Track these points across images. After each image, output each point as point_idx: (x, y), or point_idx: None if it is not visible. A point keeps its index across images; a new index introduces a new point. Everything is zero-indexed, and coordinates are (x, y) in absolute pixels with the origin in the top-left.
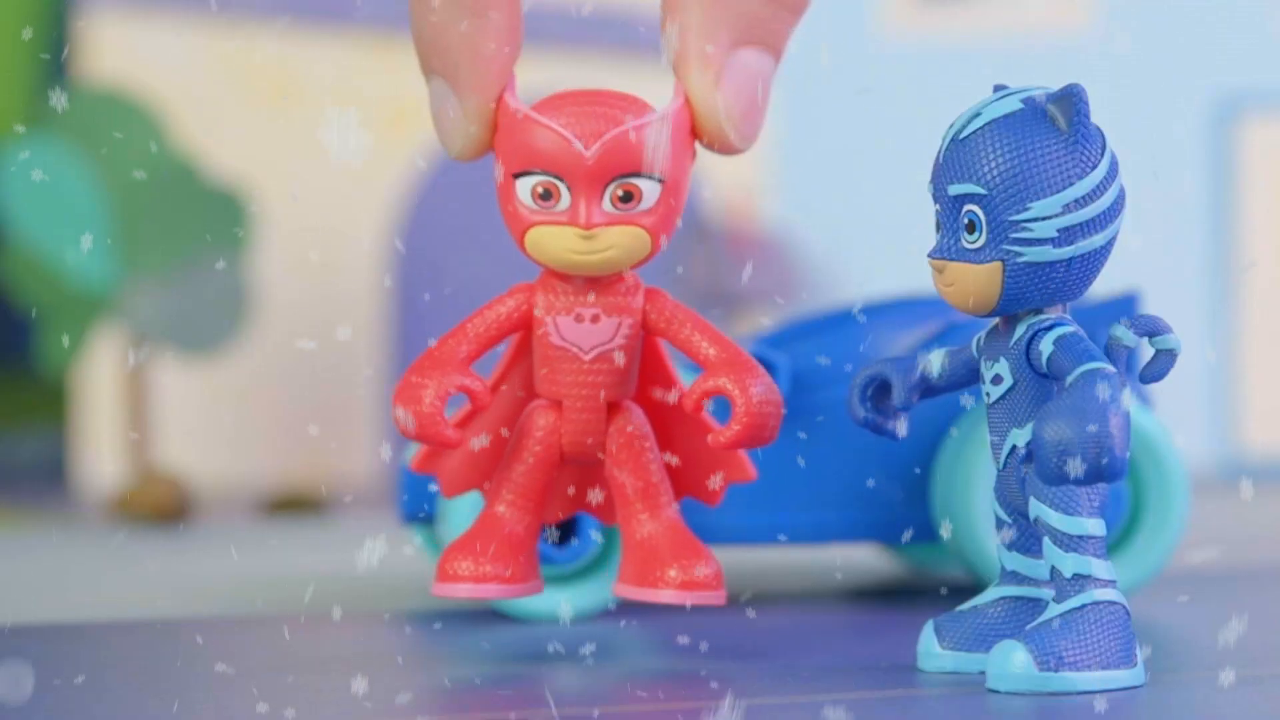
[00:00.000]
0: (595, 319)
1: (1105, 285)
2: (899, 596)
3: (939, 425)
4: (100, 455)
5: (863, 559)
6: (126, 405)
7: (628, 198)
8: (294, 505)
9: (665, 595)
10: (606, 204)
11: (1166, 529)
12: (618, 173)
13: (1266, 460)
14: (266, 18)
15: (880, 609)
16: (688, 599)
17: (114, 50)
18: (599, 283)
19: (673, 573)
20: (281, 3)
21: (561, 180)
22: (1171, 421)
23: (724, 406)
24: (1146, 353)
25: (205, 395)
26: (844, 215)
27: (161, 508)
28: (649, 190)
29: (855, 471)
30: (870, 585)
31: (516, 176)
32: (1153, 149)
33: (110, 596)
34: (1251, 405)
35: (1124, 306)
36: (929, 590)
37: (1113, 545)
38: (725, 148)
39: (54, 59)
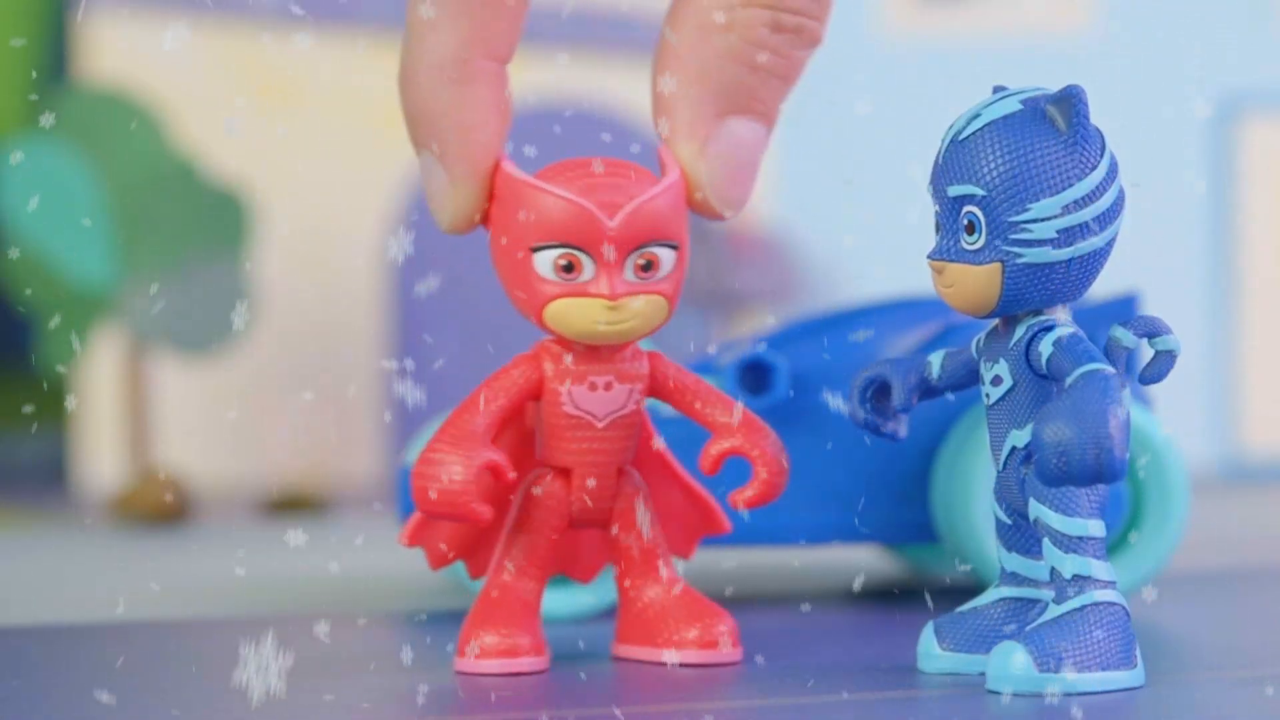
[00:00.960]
0: (609, 386)
1: (1105, 286)
2: (899, 596)
3: (939, 426)
4: (100, 455)
5: (863, 559)
6: (126, 405)
7: (648, 266)
8: (294, 505)
9: (688, 655)
10: (628, 274)
11: (1166, 529)
12: (640, 242)
13: (1266, 460)
14: (267, 18)
15: (880, 609)
16: (710, 658)
17: (114, 50)
18: (605, 350)
19: (693, 633)
20: (282, 3)
21: (585, 252)
22: (1171, 421)
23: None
24: (1146, 354)
25: (205, 395)
26: (844, 215)
27: (161, 508)
28: (666, 258)
29: (855, 472)
30: (870, 585)
31: (535, 250)
32: (1141, 154)
33: (110, 596)
34: (1251, 405)
35: (1124, 307)
36: (929, 590)
37: (1113, 545)
38: (710, 214)
39: (54, 59)
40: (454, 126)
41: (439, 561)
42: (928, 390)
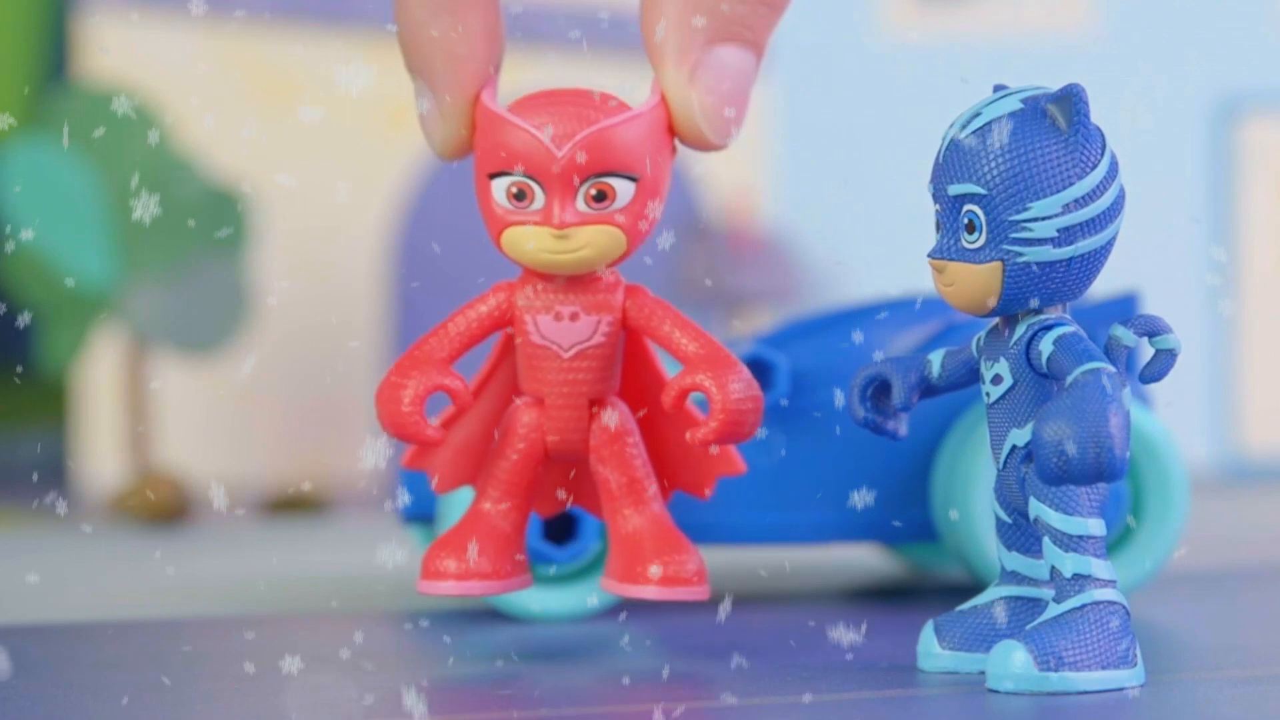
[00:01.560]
0: (574, 317)
1: (1105, 285)
2: (899, 596)
3: (939, 425)
4: (100, 455)
5: (863, 559)
6: (126, 405)
7: (601, 197)
8: (294, 505)
9: (648, 591)
10: (580, 203)
11: (1166, 529)
12: (591, 172)
13: (1266, 460)
14: (266, 17)
15: (880, 609)
16: (670, 595)
17: (114, 50)
18: (578, 281)
19: (655, 569)
20: (281, 3)
21: (535, 180)
22: (1171, 421)
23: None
24: (1147, 353)
25: (205, 395)
26: (844, 215)
27: (161, 508)
28: (623, 189)
29: (855, 472)
30: (870, 585)
31: (492, 177)
32: (1142, 154)
33: (110, 596)
34: (1251, 405)
35: (1124, 307)
36: (929, 590)
37: (1113, 545)
38: (701, 144)
39: (54, 59)
40: (445, 56)
41: (444, 485)
42: (928, 389)
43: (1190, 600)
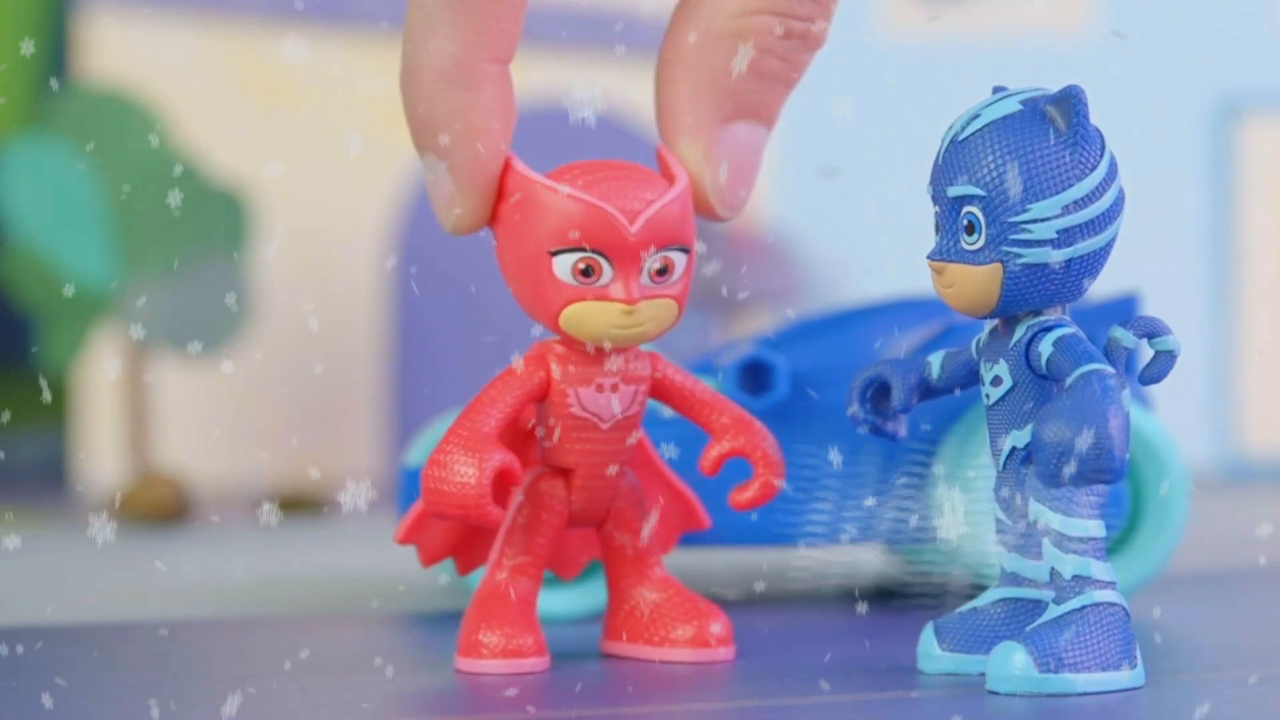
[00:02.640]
0: (615, 388)
1: (1105, 286)
2: (899, 596)
3: (939, 423)
4: (100, 455)
5: (862, 559)
6: (126, 405)
7: (664, 270)
8: (294, 505)
9: (680, 654)
10: (645, 278)
11: (1166, 529)
12: (657, 247)
13: (1266, 460)
14: (267, 18)
15: (880, 609)
16: (701, 656)
17: (114, 50)
18: (613, 352)
19: (685, 632)
20: (282, 3)
21: (605, 257)
22: (1171, 421)
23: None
24: (1146, 354)
25: (205, 395)
26: (844, 215)
27: (161, 508)
28: (680, 262)
29: (855, 473)
30: (870, 585)
31: (554, 254)
32: (1142, 154)
33: (110, 596)
34: (1251, 405)
35: (1124, 307)
36: (929, 590)
37: (1113, 545)
38: (711, 216)
39: (54, 59)
40: (460, 131)
41: (430, 558)
42: (928, 390)
43: (1190, 600)
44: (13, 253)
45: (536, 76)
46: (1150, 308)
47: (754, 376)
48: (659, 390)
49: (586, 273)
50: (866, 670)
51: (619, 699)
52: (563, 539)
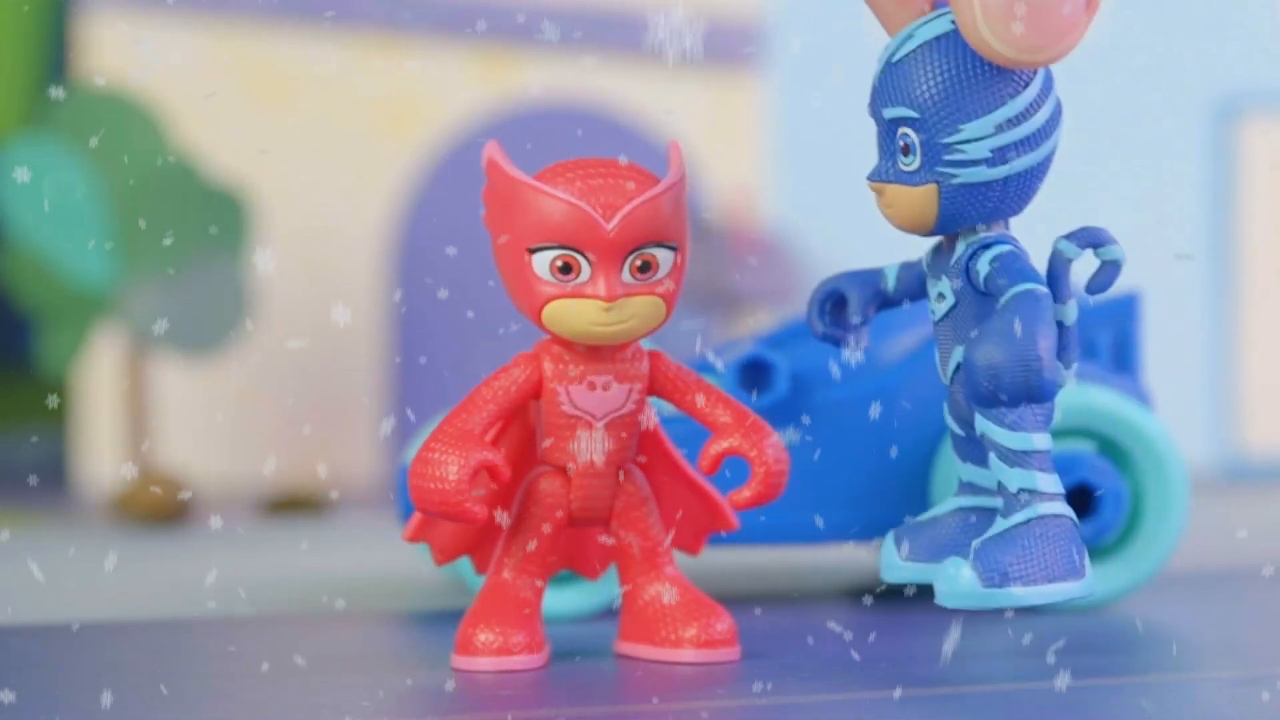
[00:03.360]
0: (608, 386)
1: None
2: (899, 596)
3: (939, 423)
4: (100, 455)
5: (863, 559)
6: (126, 405)
7: (646, 267)
8: (294, 505)
9: (685, 654)
10: (626, 275)
11: (1166, 529)
12: (637, 244)
13: (1266, 460)
14: (267, 18)
15: (880, 609)
16: (707, 656)
17: (114, 50)
18: (606, 350)
19: (690, 632)
20: (282, 3)
21: (582, 254)
22: (1171, 421)
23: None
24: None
25: (205, 395)
26: (844, 215)
27: (161, 508)
28: (665, 259)
29: (855, 472)
30: (870, 585)
31: (532, 251)
32: (1141, 154)
33: (110, 596)
34: (1251, 405)
35: (1125, 306)
36: (929, 590)
37: (1113, 545)
38: (988, 53)
39: (54, 59)
40: None
41: (444, 556)
42: (885, 302)
43: (1190, 600)
44: (13, 253)
45: (537, 77)
46: (1150, 307)
47: (754, 376)
48: (659, 388)
49: (565, 270)
50: (866, 670)
51: (619, 698)
52: (583, 538)
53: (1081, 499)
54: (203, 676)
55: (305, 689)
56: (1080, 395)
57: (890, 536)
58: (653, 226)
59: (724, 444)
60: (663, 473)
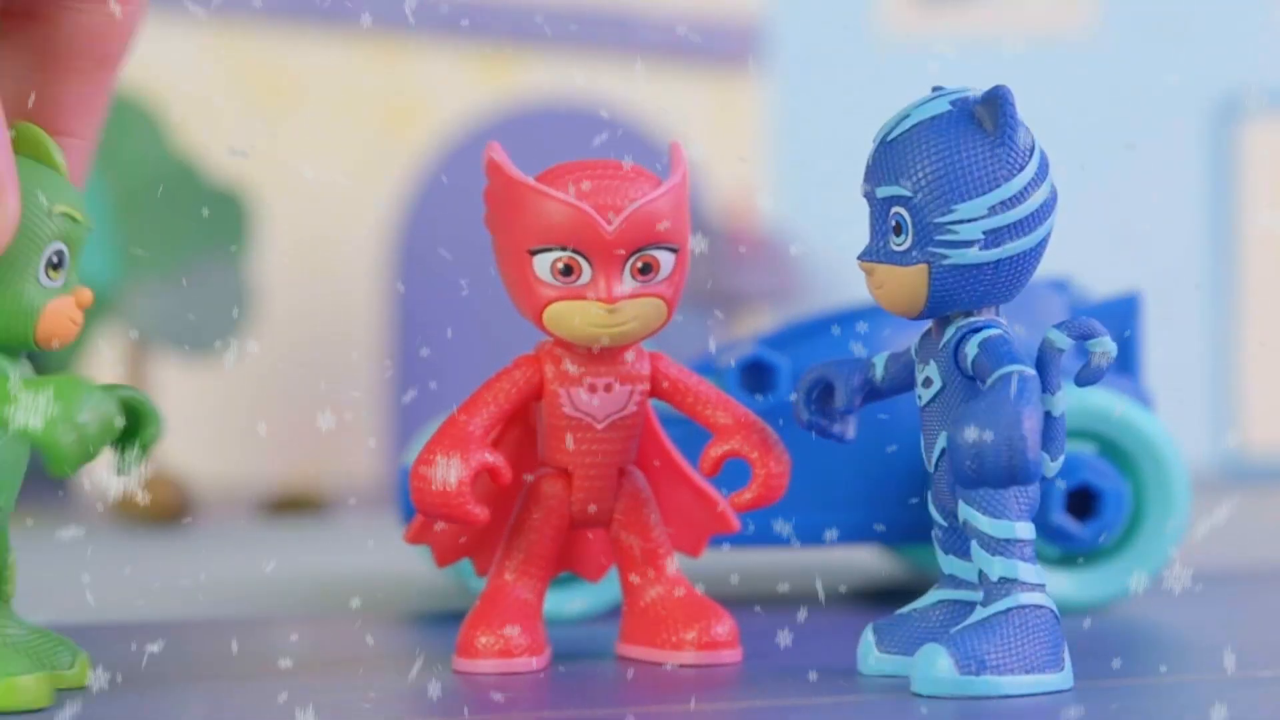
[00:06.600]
0: (609, 388)
1: (1107, 285)
2: (899, 597)
3: None
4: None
5: (863, 559)
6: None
7: (647, 269)
8: (294, 506)
9: (686, 656)
10: (627, 276)
11: (1166, 530)
12: (638, 245)
13: (1266, 460)
14: (267, 18)
15: (880, 609)
16: (707, 658)
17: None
18: (607, 352)
19: (691, 634)
20: (282, 3)
21: (583, 256)
22: (1171, 421)
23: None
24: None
25: (205, 395)
26: (844, 215)
27: (161, 508)
28: (666, 261)
29: (856, 474)
30: (870, 585)
31: (534, 253)
32: (1141, 154)
33: (110, 596)
34: (1251, 405)
35: (1124, 307)
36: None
37: (1113, 545)
38: None
39: None
40: None
41: (446, 558)
42: (872, 391)
43: (1190, 600)
44: None
45: (536, 77)
46: (1150, 307)
47: (754, 376)
48: (660, 390)
49: (566, 272)
50: (866, 670)
51: (619, 699)
52: (584, 540)
53: (1083, 500)
54: (202, 676)
55: (305, 689)
56: (1081, 397)
57: (869, 630)
58: (654, 228)
59: (725, 446)
60: (664, 475)
